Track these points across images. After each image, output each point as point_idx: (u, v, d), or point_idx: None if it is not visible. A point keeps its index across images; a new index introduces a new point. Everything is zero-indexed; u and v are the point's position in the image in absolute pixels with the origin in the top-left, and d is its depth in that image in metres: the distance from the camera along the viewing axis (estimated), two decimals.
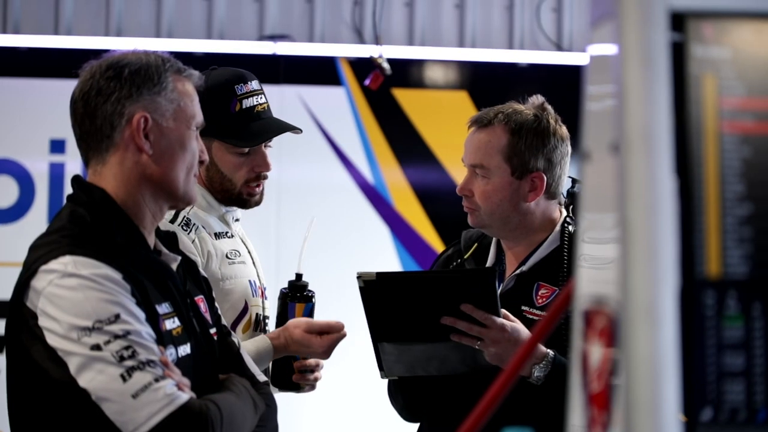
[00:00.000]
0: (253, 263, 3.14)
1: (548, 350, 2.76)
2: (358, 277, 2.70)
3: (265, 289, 3.18)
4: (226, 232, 3.06)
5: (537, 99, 2.99)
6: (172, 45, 5.48)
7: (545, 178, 2.93)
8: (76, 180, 2.38)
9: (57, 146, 5.49)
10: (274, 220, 5.40)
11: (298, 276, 2.94)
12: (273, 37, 5.70)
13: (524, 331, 2.73)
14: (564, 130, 2.97)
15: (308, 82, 5.57)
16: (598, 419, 1.37)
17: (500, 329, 2.69)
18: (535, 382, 2.75)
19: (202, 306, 2.47)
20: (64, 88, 5.45)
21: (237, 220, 3.15)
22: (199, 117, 2.39)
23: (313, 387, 3.01)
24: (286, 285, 3.04)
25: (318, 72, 5.61)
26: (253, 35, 5.79)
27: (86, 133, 2.35)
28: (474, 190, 2.93)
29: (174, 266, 2.40)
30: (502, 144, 2.90)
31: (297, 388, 2.98)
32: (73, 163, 5.46)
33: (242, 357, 2.53)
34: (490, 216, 2.93)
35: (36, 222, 5.38)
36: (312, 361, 2.96)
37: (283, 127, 3.11)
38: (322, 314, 3.06)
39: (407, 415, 3.11)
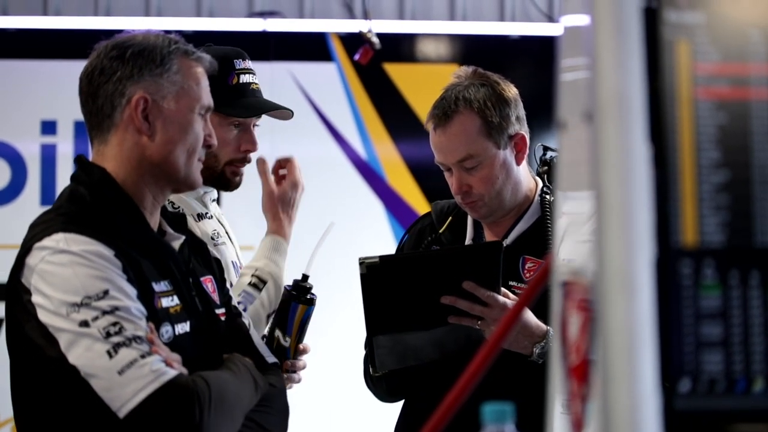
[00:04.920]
0: (231, 243, 3.13)
1: (548, 327, 2.73)
2: (360, 263, 2.66)
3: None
4: (206, 213, 3.05)
5: (467, 69, 2.98)
6: (162, 24, 5.44)
7: (524, 135, 2.94)
8: (79, 159, 2.40)
9: (48, 127, 5.47)
10: None
11: (305, 277, 2.91)
12: (263, 14, 5.67)
13: (526, 311, 2.70)
14: (511, 85, 2.98)
15: (299, 59, 5.55)
16: (577, 392, 1.36)
17: (502, 308, 2.65)
18: (537, 360, 2.73)
19: (210, 286, 2.48)
20: (54, 68, 5.50)
21: (214, 200, 3.13)
22: (205, 100, 2.39)
23: (290, 387, 3.00)
24: (290, 283, 2.99)
25: (308, 48, 5.57)
26: (242, 12, 5.75)
27: (89, 113, 2.36)
28: (471, 183, 2.90)
29: (176, 245, 2.40)
30: (478, 126, 2.88)
31: None
32: (64, 144, 5.45)
33: (251, 338, 2.52)
34: (496, 198, 2.90)
35: (28, 204, 5.37)
36: (301, 363, 2.95)
37: (277, 105, 3.11)
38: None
39: (389, 398, 3.10)
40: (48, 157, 5.46)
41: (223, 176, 3.02)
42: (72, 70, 5.66)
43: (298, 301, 2.88)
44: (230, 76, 3.01)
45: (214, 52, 3.03)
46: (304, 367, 2.97)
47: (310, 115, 5.48)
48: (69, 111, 5.41)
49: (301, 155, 5.51)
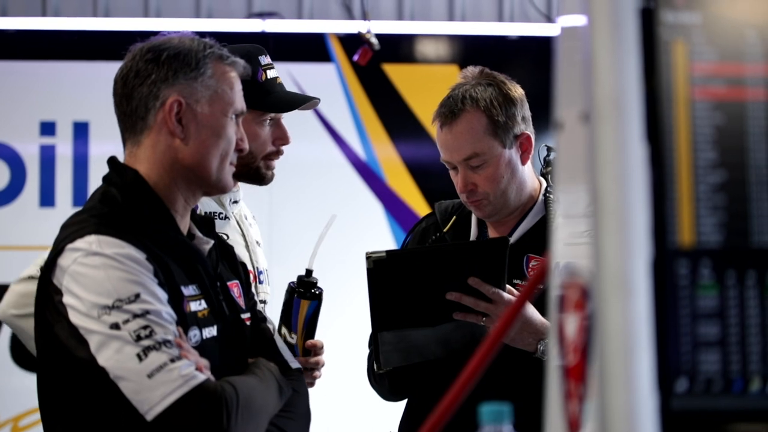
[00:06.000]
0: (247, 247, 3.12)
1: None
2: (367, 258, 2.67)
3: (260, 273, 3.15)
4: (219, 213, 3.04)
5: (473, 69, 2.99)
6: (161, 25, 5.45)
7: (530, 134, 2.96)
8: (111, 161, 2.40)
9: (47, 128, 5.47)
10: (266, 199, 5.38)
11: (308, 272, 2.90)
12: (261, 15, 5.67)
13: (530, 307, 2.72)
14: (517, 85, 3.00)
15: (298, 59, 5.55)
16: (574, 392, 1.36)
17: (507, 305, 2.67)
18: (541, 357, 2.74)
19: (236, 290, 2.49)
20: (53, 69, 5.50)
21: (235, 202, 3.13)
22: (238, 104, 2.39)
23: (311, 384, 2.99)
24: (294, 279, 2.99)
25: (307, 49, 5.58)
26: (241, 13, 5.76)
27: (123, 114, 2.37)
28: (476, 181, 2.91)
29: (206, 249, 2.41)
30: (484, 124, 2.90)
31: None
32: (63, 145, 5.45)
33: (275, 343, 2.53)
34: (501, 197, 2.92)
35: (27, 205, 5.37)
36: (313, 360, 2.94)
37: (307, 97, 3.13)
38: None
39: (392, 396, 3.10)
40: (47, 158, 5.47)
41: (258, 171, 3.03)
42: (71, 70, 5.70)
43: (300, 296, 2.88)
44: (258, 73, 3.02)
45: (237, 51, 3.04)
46: (318, 364, 2.95)
47: (309, 116, 5.48)
48: (68, 112, 5.41)
49: (301, 156, 5.57)
